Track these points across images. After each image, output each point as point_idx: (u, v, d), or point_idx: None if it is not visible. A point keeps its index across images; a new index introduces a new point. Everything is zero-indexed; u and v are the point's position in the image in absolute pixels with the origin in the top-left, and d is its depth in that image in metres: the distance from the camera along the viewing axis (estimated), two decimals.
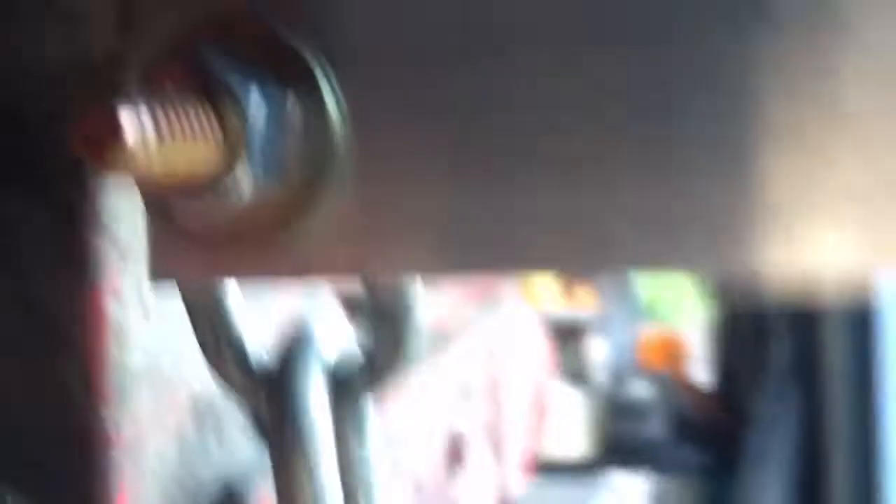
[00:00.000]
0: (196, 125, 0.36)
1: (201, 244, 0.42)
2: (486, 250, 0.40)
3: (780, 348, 2.50)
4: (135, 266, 0.57)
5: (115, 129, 0.33)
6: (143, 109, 0.34)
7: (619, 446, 2.65)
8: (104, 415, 0.56)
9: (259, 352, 0.48)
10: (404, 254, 0.41)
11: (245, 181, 0.38)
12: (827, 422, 2.28)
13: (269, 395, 0.47)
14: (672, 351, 3.11)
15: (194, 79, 0.37)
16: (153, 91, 0.37)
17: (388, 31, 0.40)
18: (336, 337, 0.48)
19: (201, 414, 0.63)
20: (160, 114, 0.35)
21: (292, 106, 0.39)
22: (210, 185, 0.38)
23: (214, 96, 0.37)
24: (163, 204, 0.41)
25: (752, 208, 0.38)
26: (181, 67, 0.38)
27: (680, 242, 0.39)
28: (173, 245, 0.42)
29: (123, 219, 0.56)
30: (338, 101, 0.40)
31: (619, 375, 2.86)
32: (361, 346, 0.49)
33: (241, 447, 0.66)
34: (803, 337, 2.38)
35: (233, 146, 0.38)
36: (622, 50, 0.39)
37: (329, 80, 0.40)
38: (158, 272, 0.43)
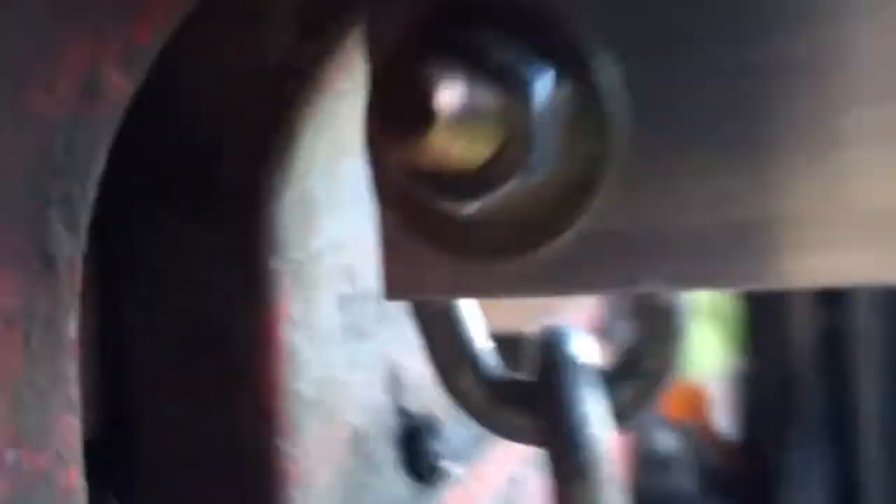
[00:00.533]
0: (483, 108, 0.33)
1: (447, 258, 0.39)
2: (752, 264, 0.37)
3: (812, 398, 2.47)
4: (305, 290, 0.54)
5: (427, 103, 0.30)
6: (450, 84, 0.31)
7: (648, 499, 2.59)
8: (279, 446, 0.52)
9: (500, 370, 0.44)
10: (672, 269, 0.37)
11: (522, 171, 0.35)
12: (863, 476, 2.24)
13: (541, 404, 0.43)
14: (696, 402, 3.06)
15: (471, 59, 0.34)
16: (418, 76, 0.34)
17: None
18: (590, 345, 0.45)
19: (360, 448, 0.60)
20: (458, 93, 0.32)
21: (568, 94, 0.36)
22: (487, 174, 0.35)
23: (497, 78, 0.34)
24: (411, 212, 0.38)
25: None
26: (450, 50, 0.35)
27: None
28: (414, 260, 0.39)
29: (297, 239, 0.53)
30: (614, 93, 0.37)
31: (645, 428, 2.81)
32: (626, 352, 0.45)
33: (395, 484, 0.62)
34: (836, 386, 2.35)
35: (514, 132, 0.35)
36: None
37: (606, 67, 0.37)
38: (396, 288, 0.40)
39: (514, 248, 0.37)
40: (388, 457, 0.62)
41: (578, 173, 0.37)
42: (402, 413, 0.64)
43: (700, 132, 0.37)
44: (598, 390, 0.43)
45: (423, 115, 0.30)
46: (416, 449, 0.65)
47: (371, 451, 0.60)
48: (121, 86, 0.35)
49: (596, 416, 0.43)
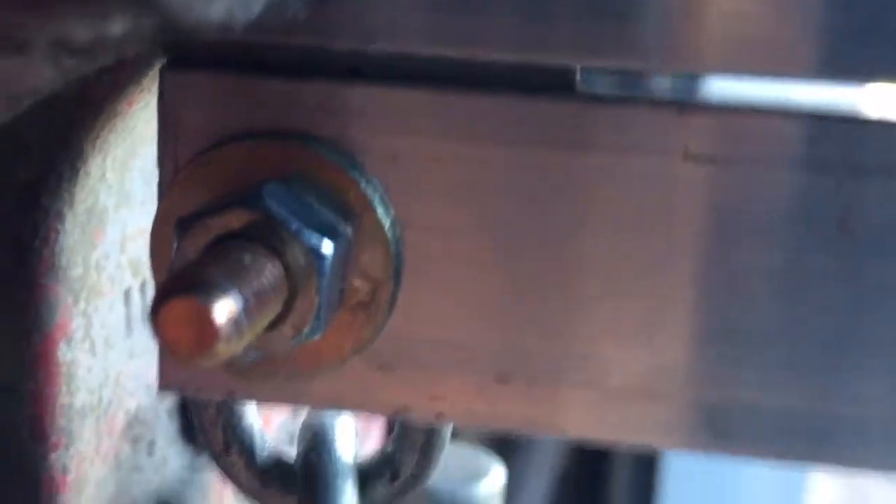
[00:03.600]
0: (270, 284, 0.34)
1: (228, 368, 0.40)
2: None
3: None
4: (86, 304, 0.53)
5: (208, 328, 0.31)
6: (231, 296, 0.32)
7: None
8: (53, 461, 0.53)
9: (269, 452, 0.46)
10: (442, 393, 0.40)
11: (306, 331, 0.36)
12: None
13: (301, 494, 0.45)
14: None
15: (262, 230, 0.35)
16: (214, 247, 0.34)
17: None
18: (352, 440, 0.47)
19: (134, 433, 0.61)
20: (243, 292, 0.32)
21: (352, 239, 0.37)
22: (265, 343, 0.36)
23: (285, 249, 0.35)
24: None
25: None
26: (244, 213, 0.35)
27: None
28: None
29: (78, 256, 0.52)
30: (393, 227, 0.38)
31: None
32: (383, 453, 0.47)
33: (171, 457, 0.64)
34: None
35: (304, 295, 0.35)
36: None
37: (385, 206, 0.38)
38: (171, 382, 0.41)
39: (291, 375, 0.39)
40: (164, 432, 0.63)
41: (357, 307, 0.38)
42: None
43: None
44: (353, 485, 0.46)
45: (202, 339, 0.31)
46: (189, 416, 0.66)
47: (145, 432, 0.62)
48: None
49: None
